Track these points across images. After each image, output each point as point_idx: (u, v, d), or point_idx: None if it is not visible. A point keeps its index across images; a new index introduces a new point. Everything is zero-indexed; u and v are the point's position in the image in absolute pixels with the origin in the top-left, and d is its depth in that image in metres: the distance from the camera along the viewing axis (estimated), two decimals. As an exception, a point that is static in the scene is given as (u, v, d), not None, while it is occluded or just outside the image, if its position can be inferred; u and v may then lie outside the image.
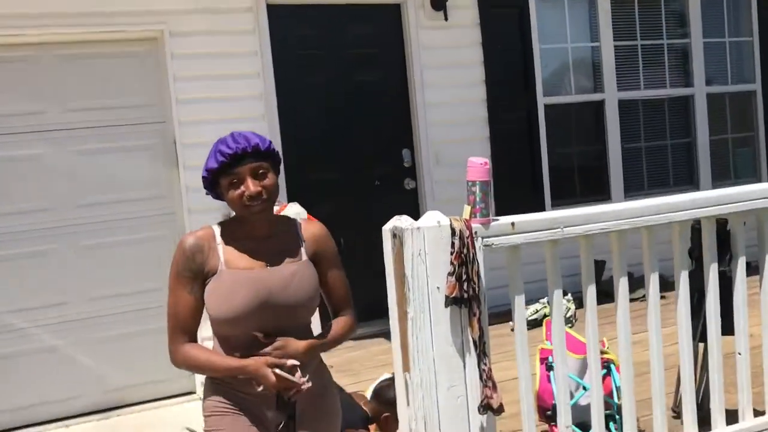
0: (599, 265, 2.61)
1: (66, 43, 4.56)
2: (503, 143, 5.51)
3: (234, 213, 2.13)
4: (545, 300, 4.91)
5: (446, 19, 5.28)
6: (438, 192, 5.30)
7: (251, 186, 2.02)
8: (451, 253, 2.25)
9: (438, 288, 2.25)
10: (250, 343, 2.04)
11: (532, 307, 4.92)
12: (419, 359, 2.25)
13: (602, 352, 3.17)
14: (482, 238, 2.31)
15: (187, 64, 4.68)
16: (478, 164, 2.30)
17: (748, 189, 2.74)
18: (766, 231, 2.79)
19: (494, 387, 2.26)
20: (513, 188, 5.35)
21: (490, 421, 2.34)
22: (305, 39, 5.14)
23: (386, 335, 4.87)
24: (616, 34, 5.89)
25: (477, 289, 2.26)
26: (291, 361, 2.00)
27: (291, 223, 2.21)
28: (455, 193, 4.67)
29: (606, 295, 2.92)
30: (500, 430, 3.09)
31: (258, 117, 4.87)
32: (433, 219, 2.27)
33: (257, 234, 2.12)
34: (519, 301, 2.42)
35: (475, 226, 2.30)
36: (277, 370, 1.98)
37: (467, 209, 2.31)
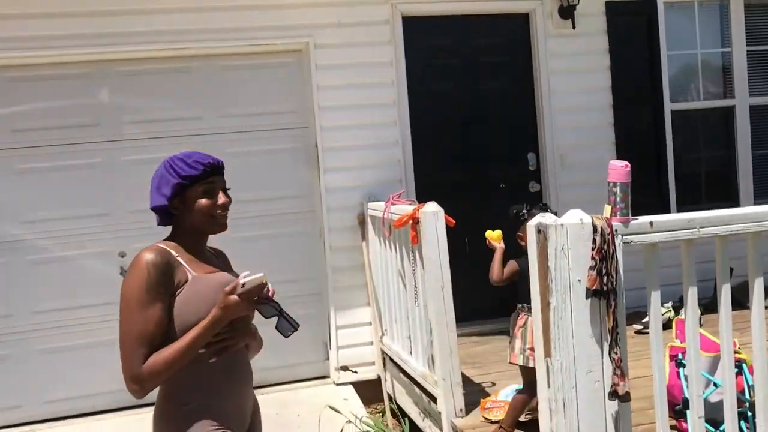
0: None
1: (221, 56, 5.05)
2: (629, 148, 5.57)
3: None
4: (669, 304, 4.96)
5: (574, 27, 5.42)
6: (562, 195, 5.44)
7: (224, 197, 2.15)
8: (593, 249, 2.44)
9: (579, 281, 2.45)
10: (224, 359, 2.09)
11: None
12: (560, 346, 2.45)
13: (734, 352, 3.25)
14: (621, 235, 2.49)
15: (329, 73, 5.07)
16: (620, 166, 2.48)
17: None
18: None
19: (622, 375, 2.43)
20: (638, 193, 5.32)
21: (624, 408, 2.51)
22: (437, 48, 5.43)
23: (507, 333, 5.08)
24: (749, 39, 5.82)
25: (615, 283, 2.44)
26: (241, 280, 2.04)
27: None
28: (579, 196, 4.84)
29: (735, 302, 2.97)
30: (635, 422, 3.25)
31: (391, 123, 5.20)
32: (575, 217, 2.47)
33: (203, 249, 2.21)
34: (655, 297, 2.57)
35: (615, 224, 2.48)
36: (241, 289, 2.02)
37: (608, 208, 2.49)
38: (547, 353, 2.48)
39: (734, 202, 5.81)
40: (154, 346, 1.99)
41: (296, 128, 5.17)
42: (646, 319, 5.00)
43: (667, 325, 4.60)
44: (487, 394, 3.97)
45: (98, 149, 4.84)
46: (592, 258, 2.44)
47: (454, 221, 3.90)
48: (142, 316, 1.99)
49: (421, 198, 4.86)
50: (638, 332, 4.93)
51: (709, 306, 4.56)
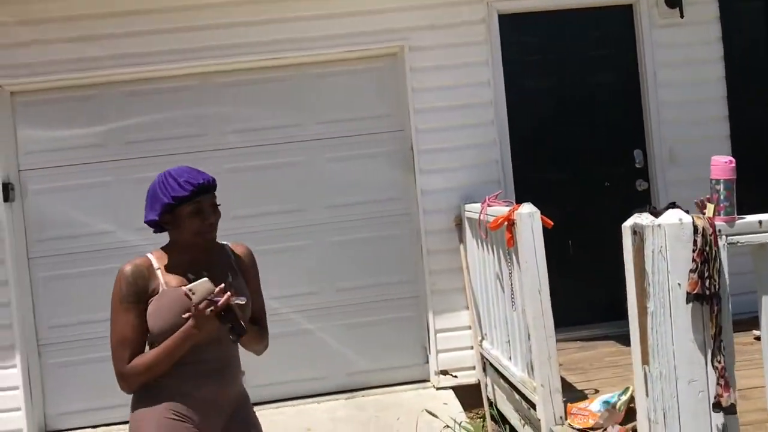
0: None
1: (317, 63, 5.14)
2: (745, 141, 5.22)
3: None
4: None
5: (682, 16, 5.14)
6: (672, 193, 5.15)
7: (212, 217, 2.28)
8: (693, 251, 2.29)
9: (679, 284, 2.31)
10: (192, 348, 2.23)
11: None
12: (659, 352, 2.32)
13: None
14: (726, 236, 2.32)
15: (424, 76, 5.05)
16: (723, 162, 2.32)
17: None
18: None
19: (726, 385, 2.26)
20: (757, 189, 5.04)
21: (731, 420, 2.34)
22: (534, 45, 5.29)
23: (616, 338, 4.90)
24: None
25: (718, 286, 2.28)
26: (185, 288, 2.16)
27: (220, 245, 2.45)
28: (691, 193, 4.49)
29: None
30: (744, 435, 3.04)
31: (488, 122, 5.11)
32: (674, 216, 2.33)
33: (197, 263, 2.31)
34: (766, 301, 2.38)
35: (719, 224, 2.32)
36: (191, 295, 2.14)
37: (710, 207, 2.34)
38: (645, 360, 2.36)
39: None
40: (134, 347, 2.24)
41: (392, 131, 5.18)
42: None
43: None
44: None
45: (205, 158, 5.03)
46: (693, 260, 2.29)
47: (552, 222, 3.78)
48: (120, 323, 2.24)
49: (521, 199, 4.74)
50: (757, 338, 4.60)
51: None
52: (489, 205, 4.30)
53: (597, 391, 3.98)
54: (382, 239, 5.22)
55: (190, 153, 4.96)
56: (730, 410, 2.27)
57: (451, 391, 4.99)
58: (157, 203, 2.26)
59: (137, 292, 2.24)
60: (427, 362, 5.20)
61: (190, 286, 2.17)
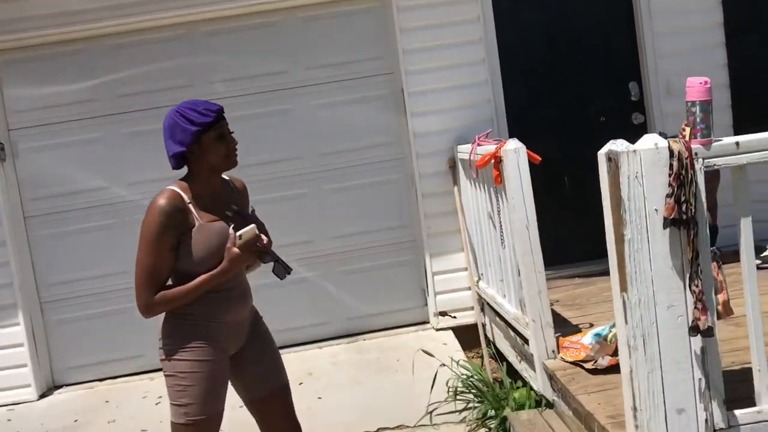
0: None
1: (304, 6, 5.05)
2: (744, 71, 5.10)
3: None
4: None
5: (675, -60, 4.98)
6: (669, 126, 5.06)
7: (233, 139, 2.42)
8: (669, 175, 2.26)
9: (656, 210, 2.28)
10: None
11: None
12: (637, 279, 2.30)
13: None
14: (703, 159, 2.28)
15: (412, 15, 4.95)
16: (698, 83, 2.27)
17: None
18: None
19: (704, 309, 2.24)
20: (756, 120, 4.94)
21: (711, 343, 2.33)
22: (524, -22, 5.16)
23: (613, 272, 4.88)
24: None
25: (694, 210, 2.25)
26: (238, 233, 2.33)
27: (226, 181, 2.58)
28: (686, 124, 4.48)
29: None
30: (732, 360, 3.04)
31: (479, 61, 5.02)
32: (650, 141, 2.28)
33: (214, 190, 2.45)
34: (745, 223, 2.35)
35: (695, 147, 2.28)
36: (239, 241, 2.32)
37: (687, 130, 2.29)
38: (623, 288, 2.34)
39: None
40: (163, 278, 2.36)
41: (381, 75, 5.11)
42: (765, 253, 4.68)
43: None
44: (584, 336, 3.83)
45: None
46: (669, 185, 2.26)
47: (539, 158, 3.74)
48: (152, 255, 2.31)
49: (516, 135, 4.70)
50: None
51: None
52: (479, 145, 4.25)
53: (591, 325, 3.98)
54: (376, 185, 5.20)
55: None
56: (707, 333, 2.26)
57: (450, 332, 5.04)
58: (182, 134, 2.34)
59: (174, 225, 2.32)
60: (426, 304, 5.23)
61: (240, 232, 2.32)
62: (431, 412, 3.96)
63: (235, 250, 2.32)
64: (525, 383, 3.94)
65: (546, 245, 3.65)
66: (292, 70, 5.09)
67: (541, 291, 3.56)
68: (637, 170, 2.27)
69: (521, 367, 4.06)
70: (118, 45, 4.98)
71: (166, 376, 2.44)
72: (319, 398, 4.36)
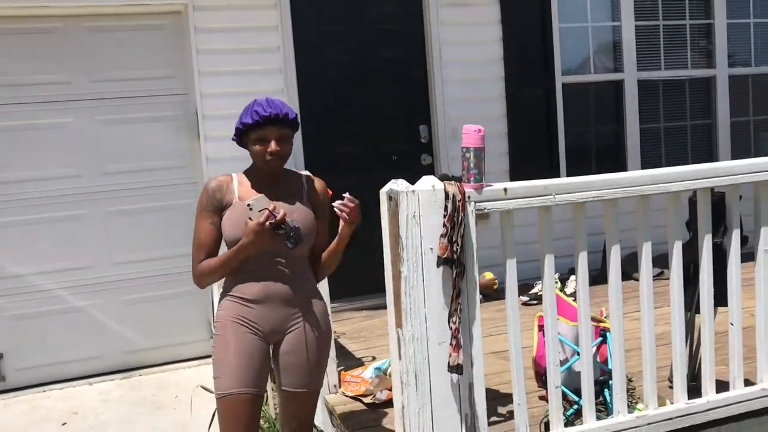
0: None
1: (93, 16, 4.73)
2: (520, 121, 5.56)
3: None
4: (556, 276, 4.98)
5: (466, -4, 5.34)
6: (454, 167, 5.37)
7: (273, 146, 2.49)
8: (444, 216, 2.34)
9: (431, 249, 2.35)
10: (256, 257, 2.49)
11: (539, 286, 5.00)
12: (411, 316, 2.35)
13: (599, 321, 3.25)
14: (475, 202, 2.40)
15: (210, 37, 4.82)
16: (473, 131, 2.39)
17: (745, 162, 2.78)
18: (762, 204, 2.83)
19: (457, 346, 2.34)
20: (529, 167, 5.40)
21: (478, 381, 2.43)
22: (326, 14, 5.23)
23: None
24: (638, 14, 5.88)
25: (460, 251, 2.35)
26: (247, 202, 2.40)
27: (298, 175, 2.71)
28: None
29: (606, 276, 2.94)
30: (504, 392, 3.22)
31: (278, 91, 4.99)
32: (428, 183, 2.36)
33: (270, 179, 2.59)
34: (511, 264, 2.50)
35: (468, 190, 2.39)
36: (248, 211, 2.40)
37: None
38: (398, 324, 2.38)
39: (623, 176, 5.88)
40: (207, 251, 2.53)
41: (175, 95, 4.90)
42: (533, 290, 5.07)
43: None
44: (365, 369, 3.87)
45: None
46: (444, 225, 2.34)
47: (330, 192, 3.75)
48: (198, 229, 2.54)
49: (311, 171, 4.69)
50: (525, 304, 4.95)
51: (597, 278, 4.59)
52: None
53: (374, 359, 4.05)
54: (165, 209, 4.95)
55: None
56: (456, 369, 2.33)
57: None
58: (238, 124, 2.51)
59: (214, 204, 2.51)
60: (212, 337, 5.02)
61: (249, 200, 2.41)
62: (208, 452, 3.78)
63: (250, 222, 2.41)
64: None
65: (333, 278, 3.65)
66: (76, 82, 4.71)
67: (326, 325, 3.54)
68: (415, 210, 2.34)
69: (304, 401, 4.00)
70: None
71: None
72: (84, 440, 4.00)
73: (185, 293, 4.99)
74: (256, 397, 2.52)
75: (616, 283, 2.64)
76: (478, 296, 2.44)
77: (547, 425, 2.90)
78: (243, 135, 2.54)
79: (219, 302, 2.60)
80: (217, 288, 2.88)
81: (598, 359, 3.15)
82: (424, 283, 2.36)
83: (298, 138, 5.09)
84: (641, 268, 2.68)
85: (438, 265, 2.36)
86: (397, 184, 2.36)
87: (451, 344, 2.35)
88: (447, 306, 2.37)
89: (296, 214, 2.52)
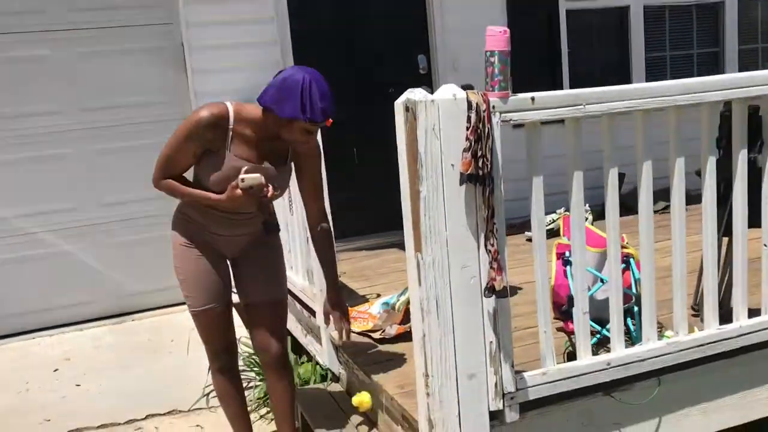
0: (619, 177, 2.51)
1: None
2: (522, 50, 5.24)
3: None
4: (561, 210, 4.80)
5: None
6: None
7: (313, 140, 2.53)
8: (467, 128, 2.13)
9: (452, 165, 2.14)
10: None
11: (549, 217, 4.83)
12: (431, 239, 2.16)
13: (622, 246, 3.08)
14: (500, 113, 2.19)
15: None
16: (498, 32, 2.17)
17: (784, 71, 2.57)
18: (801, 117, 2.64)
19: (499, 269, 2.16)
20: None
21: (503, 304, 2.26)
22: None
23: (399, 245, 4.83)
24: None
25: (490, 166, 2.15)
26: (241, 175, 2.38)
27: None
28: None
29: (625, 208, 2.74)
30: (515, 326, 3.06)
31: (268, 18, 4.72)
32: (448, 92, 2.14)
33: (264, 133, 2.48)
34: (537, 182, 2.31)
35: (493, 99, 2.17)
36: (241, 183, 2.38)
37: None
38: (417, 248, 2.19)
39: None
40: (173, 171, 2.48)
41: (159, 24, 4.60)
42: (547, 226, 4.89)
43: (556, 235, 4.46)
44: (370, 306, 3.71)
45: None
46: (467, 139, 2.13)
47: (331, 120, 3.52)
48: (172, 149, 2.45)
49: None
50: (530, 239, 4.78)
51: (602, 214, 4.40)
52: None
53: (379, 296, 3.89)
54: (153, 147, 4.65)
55: None
56: (502, 293, 2.17)
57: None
58: (289, 107, 2.37)
59: (203, 139, 2.40)
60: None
61: (244, 176, 2.36)
62: (207, 394, 3.63)
63: (237, 191, 2.38)
64: (311, 358, 3.74)
65: (333, 218, 3.46)
66: (51, 11, 4.39)
67: (330, 259, 3.35)
68: (434, 122, 2.12)
69: (306, 341, 3.85)
70: None
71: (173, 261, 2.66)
72: (78, 385, 3.83)
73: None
74: (225, 307, 2.70)
75: (647, 202, 2.46)
76: (503, 215, 2.25)
77: (569, 355, 2.75)
78: (287, 117, 2.41)
79: (175, 219, 2.63)
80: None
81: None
82: (445, 204, 2.16)
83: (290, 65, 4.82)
84: (673, 188, 2.49)
85: (461, 183, 2.15)
86: (415, 94, 2.14)
87: (492, 267, 2.16)
88: (469, 228, 2.18)
89: (278, 180, 2.53)
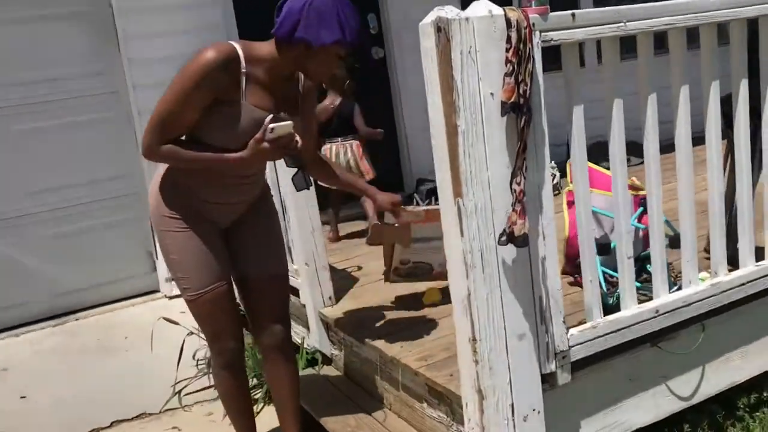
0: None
1: None
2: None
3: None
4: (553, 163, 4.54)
5: None
6: (410, 60, 4.83)
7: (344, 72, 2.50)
8: (507, 50, 1.84)
9: (492, 94, 1.85)
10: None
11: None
12: (472, 181, 1.86)
13: (638, 188, 2.88)
14: (540, 32, 1.90)
15: None
16: (533, -62, 1.87)
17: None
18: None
19: (522, 211, 1.87)
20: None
21: (551, 251, 1.99)
22: None
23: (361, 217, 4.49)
24: None
25: (530, 93, 1.86)
26: (269, 125, 2.03)
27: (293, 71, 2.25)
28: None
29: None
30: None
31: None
32: (483, 7, 1.83)
33: (278, 74, 2.14)
34: (577, 112, 2.04)
35: (532, 16, 1.88)
36: (269, 135, 2.04)
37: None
38: (457, 192, 1.88)
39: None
40: (174, 132, 2.07)
41: (82, -16, 4.08)
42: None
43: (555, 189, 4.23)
44: (356, 279, 3.39)
45: None
46: (508, 61, 1.83)
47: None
48: (176, 104, 2.02)
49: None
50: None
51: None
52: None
53: (360, 268, 3.57)
54: (82, 125, 4.19)
55: None
56: (522, 241, 1.84)
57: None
58: (327, 34, 2.04)
59: (214, 86, 2.02)
60: (156, 269, 4.37)
61: (273, 125, 2.04)
62: (179, 392, 3.22)
63: (265, 144, 2.05)
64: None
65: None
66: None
67: (315, 229, 3.01)
68: (471, 44, 1.81)
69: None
70: None
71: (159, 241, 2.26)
72: (23, 398, 3.34)
73: (121, 222, 4.30)
74: (229, 285, 2.30)
75: (686, 131, 2.24)
76: (548, 152, 1.97)
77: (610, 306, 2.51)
78: (315, 44, 2.06)
79: (160, 190, 2.20)
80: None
81: (640, 232, 2.79)
82: (485, 139, 1.86)
83: (232, 31, 4.41)
84: (708, 118, 2.28)
85: (502, 114, 1.86)
86: (446, 11, 1.82)
87: (514, 209, 1.86)
88: (513, 164, 1.89)
89: (298, 129, 2.16)
